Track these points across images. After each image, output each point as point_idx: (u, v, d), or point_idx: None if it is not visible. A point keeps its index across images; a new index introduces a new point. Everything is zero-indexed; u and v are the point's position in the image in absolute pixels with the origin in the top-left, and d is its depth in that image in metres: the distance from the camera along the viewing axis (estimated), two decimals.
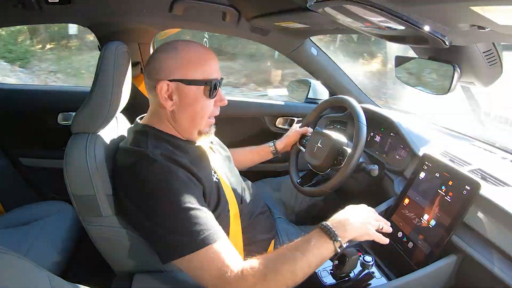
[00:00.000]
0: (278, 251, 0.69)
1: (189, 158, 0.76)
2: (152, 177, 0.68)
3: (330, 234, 0.68)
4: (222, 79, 0.80)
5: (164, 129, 0.80)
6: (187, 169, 0.73)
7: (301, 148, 1.19)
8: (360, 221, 0.73)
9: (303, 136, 1.21)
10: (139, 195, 0.69)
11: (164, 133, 0.80)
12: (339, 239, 0.67)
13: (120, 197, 0.73)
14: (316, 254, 0.66)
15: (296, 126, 1.27)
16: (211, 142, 0.95)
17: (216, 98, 0.80)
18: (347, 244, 0.69)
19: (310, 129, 1.21)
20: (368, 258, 0.78)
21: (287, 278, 0.64)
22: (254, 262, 0.65)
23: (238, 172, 1.00)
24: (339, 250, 0.68)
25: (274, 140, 1.22)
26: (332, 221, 0.71)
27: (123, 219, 0.74)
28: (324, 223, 0.71)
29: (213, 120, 0.84)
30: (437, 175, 0.83)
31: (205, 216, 0.68)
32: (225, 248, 0.67)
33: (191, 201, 0.68)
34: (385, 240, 0.76)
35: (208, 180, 0.77)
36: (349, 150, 0.99)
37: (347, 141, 1.07)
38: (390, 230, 0.78)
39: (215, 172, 0.83)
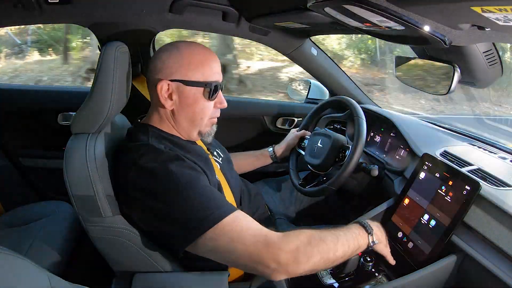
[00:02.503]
0: (320, 230, 0.70)
1: (193, 156, 0.76)
2: (161, 165, 0.68)
3: (367, 228, 0.75)
4: (223, 82, 0.80)
5: (165, 129, 0.80)
6: (192, 161, 0.73)
7: (301, 151, 1.19)
8: (383, 232, 0.80)
9: (301, 139, 1.21)
10: (151, 185, 0.68)
11: (165, 133, 0.80)
12: (373, 233, 0.75)
13: (127, 194, 0.72)
14: (355, 242, 0.72)
15: (294, 131, 1.27)
16: (210, 144, 0.95)
17: (216, 100, 0.80)
18: (377, 241, 0.75)
19: (308, 132, 1.21)
20: (368, 258, 0.78)
21: (323, 252, 0.65)
22: (292, 232, 0.67)
23: (237, 174, 1.00)
24: (372, 244, 0.74)
25: (273, 145, 1.22)
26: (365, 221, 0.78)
27: (124, 219, 0.74)
28: (360, 220, 0.78)
29: (215, 120, 0.84)
30: (437, 175, 0.83)
31: (218, 192, 0.71)
32: (249, 217, 0.68)
33: (204, 181, 0.70)
34: (393, 261, 0.80)
35: (211, 178, 0.77)
36: (350, 146, 0.99)
37: (347, 139, 1.07)
38: (393, 262, 0.81)
39: (215, 173, 0.83)
